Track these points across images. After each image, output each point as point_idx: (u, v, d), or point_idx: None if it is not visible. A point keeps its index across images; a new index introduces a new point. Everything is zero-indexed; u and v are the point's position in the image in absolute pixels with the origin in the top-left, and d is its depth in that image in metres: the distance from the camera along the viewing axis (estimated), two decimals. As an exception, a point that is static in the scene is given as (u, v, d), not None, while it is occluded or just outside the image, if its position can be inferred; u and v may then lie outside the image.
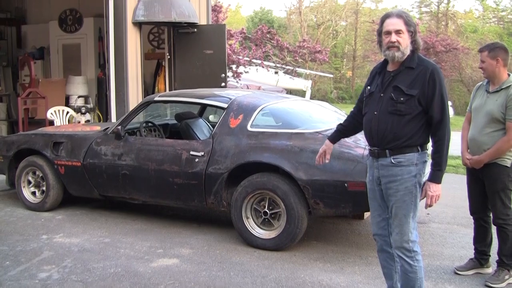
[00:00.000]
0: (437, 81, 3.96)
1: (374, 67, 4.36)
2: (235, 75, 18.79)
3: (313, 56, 21.10)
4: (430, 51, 33.32)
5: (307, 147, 5.73)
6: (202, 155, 6.23)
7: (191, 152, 6.31)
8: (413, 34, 4.04)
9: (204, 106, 7.92)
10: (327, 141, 4.69)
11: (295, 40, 28.62)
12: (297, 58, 20.69)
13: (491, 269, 5.35)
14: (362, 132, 6.56)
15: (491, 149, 4.96)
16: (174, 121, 7.88)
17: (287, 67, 21.11)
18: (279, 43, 20.54)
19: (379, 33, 4.13)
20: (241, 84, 19.30)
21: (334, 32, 53.51)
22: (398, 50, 3.99)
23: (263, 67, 20.66)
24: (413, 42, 4.05)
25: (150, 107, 7.52)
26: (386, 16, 4.09)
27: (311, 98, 23.38)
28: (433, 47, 33.02)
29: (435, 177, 4.04)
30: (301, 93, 24.81)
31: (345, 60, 52.73)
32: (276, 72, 22.07)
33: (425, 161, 4.10)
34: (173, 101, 7.66)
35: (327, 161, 4.68)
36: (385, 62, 4.20)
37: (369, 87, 4.26)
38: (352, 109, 4.59)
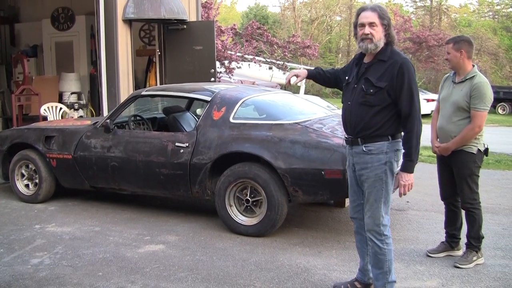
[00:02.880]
0: (406, 74, 4.14)
1: (354, 56, 4.60)
2: (227, 71, 18.99)
3: (303, 51, 21.26)
4: (423, 46, 33.51)
5: (286, 137, 5.98)
6: (186, 146, 6.49)
7: (176, 144, 6.57)
8: (387, 27, 4.23)
9: (191, 100, 8.16)
10: (304, 70, 4.88)
11: (289, 36, 28.76)
12: (286, 53, 20.85)
13: (461, 251, 5.59)
14: (339, 122, 6.85)
15: (457, 137, 5.22)
16: (163, 115, 8.13)
17: (278, 62, 21.26)
18: (269, 39, 20.73)
19: (355, 25, 4.33)
20: (234, 79, 19.47)
21: (329, 27, 53.64)
22: (371, 42, 4.19)
23: (255, 63, 20.83)
24: (387, 35, 4.25)
25: (141, 101, 7.74)
26: (362, 9, 4.29)
27: (305, 93, 23.53)
28: (426, 42, 33.19)
29: (406, 167, 4.25)
30: (295, 89, 24.91)
31: (340, 55, 52.89)
32: (270, 68, 22.20)
33: (397, 150, 4.30)
34: (159, 95, 7.94)
35: (294, 80, 4.79)
36: (363, 54, 4.40)
37: (347, 77, 4.49)
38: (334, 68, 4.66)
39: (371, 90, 4.21)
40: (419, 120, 4.19)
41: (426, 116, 26.66)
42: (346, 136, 4.50)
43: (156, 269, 5.26)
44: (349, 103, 4.38)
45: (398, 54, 4.26)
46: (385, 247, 4.35)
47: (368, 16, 4.21)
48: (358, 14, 4.31)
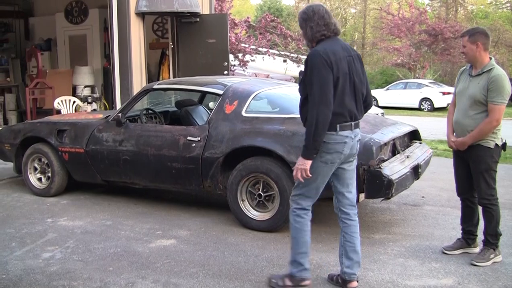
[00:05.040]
0: (308, 65, 4.32)
1: None
2: (241, 64, 18.91)
3: (317, 44, 21.11)
4: (439, 38, 33.24)
5: (299, 131, 5.88)
6: (198, 140, 6.43)
7: (188, 138, 6.51)
8: (304, 30, 4.59)
9: (204, 94, 8.10)
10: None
11: (303, 29, 28.61)
12: (301, 46, 20.75)
13: (478, 248, 5.48)
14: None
15: (474, 131, 5.12)
16: (175, 109, 8.08)
17: (292, 55, 21.17)
18: (283, 31, 20.64)
19: None
20: (248, 72, 19.40)
21: (343, 19, 53.39)
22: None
23: (269, 55, 20.75)
24: (304, 35, 4.63)
25: (153, 95, 7.70)
26: None
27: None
28: (442, 34, 32.92)
29: (302, 152, 4.36)
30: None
31: (354, 47, 52.62)
32: (284, 61, 22.11)
33: (324, 142, 4.34)
34: (171, 88, 7.87)
35: None
36: None
37: None
38: None
39: (299, 81, 4.52)
40: (316, 108, 4.21)
41: (442, 109, 26.61)
42: None
43: (167, 264, 5.21)
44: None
45: (312, 48, 4.48)
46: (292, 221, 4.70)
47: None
48: None
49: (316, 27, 4.45)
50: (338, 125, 4.35)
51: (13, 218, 6.74)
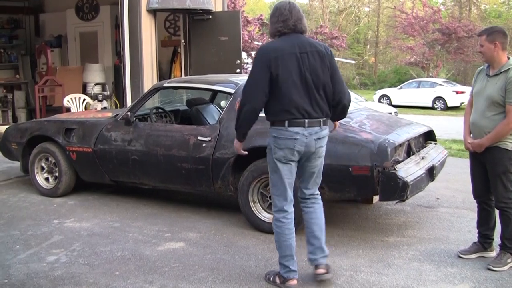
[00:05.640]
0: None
1: None
2: (254, 62, 18.77)
3: (331, 42, 20.99)
4: (452, 37, 33.06)
5: (311, 131, 5.75)
6: (209, 140, 6.29)
7: (199, 137, 6.37)
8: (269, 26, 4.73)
9: (215, 92, 7.96)
10: None
11: (317, 27, 28.55)
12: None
13: (494, 252, 5.32)
14: (367, 116, 6.61)
15: (492, 133, 4.95)
16: (186, 107, 7.94)
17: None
18: (296, 29, 20.47)
19: None
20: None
21: (357, 18, 53.26)
22: None
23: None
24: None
25: (164, 93, 7.56)
26: None
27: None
28: (455, 33, 32.76)
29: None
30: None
31: (368, 46, 52.49)
32: (297, 59, 21.92)
33: (275, 137, 4.49)
34: (181, 87, 7.71)
35: None
36: None
37: None
38: None
39: None
40: (243, 102, 4.46)
41: (455, 108, 26.41)
42: None
43: (175, 268, 5.06)
44: None
45: None
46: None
47: None
48: None
49: (275, 24, 4.53)
50: (286, 121, 4.41)
51: (19, 219, 6.62)
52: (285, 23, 4.47)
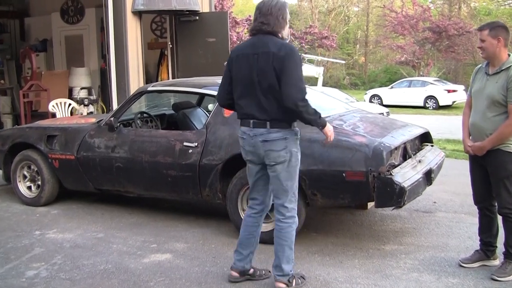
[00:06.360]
0: None
1: None
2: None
3: (320, 42, 20.81)
4: (443, 35, 32.98)
5: (302, 135, 5.48)
6: (195, 146, 6.02)
7: (185, 143, 6.11)
8: None
9: (202, 96, 7.69)
10: None
11: (306, 27, 28.41)
12: (304, 44, 20.38)
13: (497, 261, 5.07)
14: (360, 118, 6.35)
15: (494, 135, 4.69)
16: (172, 111, 7.67)
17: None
18: (285, 29, 20.28)
19: (286, 19, 4.50)
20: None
21: (346, 18, 53.12)
22: None
23: (271, 54, 20.39)
24: None
25: (150, 97, 7.31)
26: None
27: (323, 85, 23.07)
28: (446, 31, 32.71)
29: None
30: (313, 80, 24.55)
31: (357, 45, 52.35)
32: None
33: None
34: (166, 90, 7.39)
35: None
36: None
37: None
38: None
39: None
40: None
41: (447, 107, 26.24)
42: None
43: (161, 282, 4.80)
44: None
45: None
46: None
47: None
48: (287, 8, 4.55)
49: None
50: (240, 121, 4.57)
51: (-1, 230, 6.34)
52: (252, 23, 4.51)
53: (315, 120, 4.42)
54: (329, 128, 4.53)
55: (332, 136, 4.56)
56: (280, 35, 4.41)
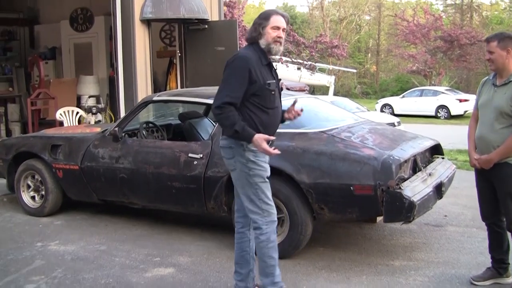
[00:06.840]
0: None
1: (251, 58, 4.29)
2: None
3: (331, 51, 20.68)
4: (454, 44, 32.76)
5: (310, 148, 5.38)
6: (200, 157, 5.90)
7: (190, 154, 5.98)
8: None
9: (209, 106, 7.56)
10: None
11: (316, 36, 28.33)
12: (313, 53, 20.28)
13: (510, 278, 4.92)
14: (369, 129, 6.20)
15: (501, 147, 4.53)
16: (179, 121, 7.55)
17: (306, 62, 20.72)
18: (296, 38, 20.18)
19: (262, 26, 4.32)
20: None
21: (358, 26, 53.03)
22: (281, 45, 4.43)
23: (282, 63, 20.32)
24: None
25: (156, 107, 7.20)
26: (276, 12, 4.37)
27: (334, 94, 22.97)
28: (457, 40, 32.49)
29: None
30: (324, 89, 24.48)
31: (369, 54, 52.21)
32: (298, 68, 21.75)
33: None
34: (172, 100, 7.29)
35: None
36: (263, 53, 4.36)
37: (268, 81, 4.31)
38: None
39: None
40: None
41: (459, 117, 26.01)
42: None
43: (163, 298, 4.67)
44: (277, 107, 4.42)
45: None
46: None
47: (283, 22, 4.36)
48: (270, 16, 4.34)
49: None
50: None
51: (0, 241, 6.23)
52: None
53: (232, 132, 4.16)
54: (257, 143, 4.10)
55: (266, 152, 4.18)
56: (259, 42, 4.36)
